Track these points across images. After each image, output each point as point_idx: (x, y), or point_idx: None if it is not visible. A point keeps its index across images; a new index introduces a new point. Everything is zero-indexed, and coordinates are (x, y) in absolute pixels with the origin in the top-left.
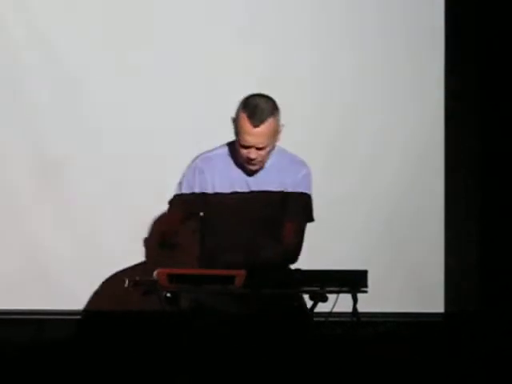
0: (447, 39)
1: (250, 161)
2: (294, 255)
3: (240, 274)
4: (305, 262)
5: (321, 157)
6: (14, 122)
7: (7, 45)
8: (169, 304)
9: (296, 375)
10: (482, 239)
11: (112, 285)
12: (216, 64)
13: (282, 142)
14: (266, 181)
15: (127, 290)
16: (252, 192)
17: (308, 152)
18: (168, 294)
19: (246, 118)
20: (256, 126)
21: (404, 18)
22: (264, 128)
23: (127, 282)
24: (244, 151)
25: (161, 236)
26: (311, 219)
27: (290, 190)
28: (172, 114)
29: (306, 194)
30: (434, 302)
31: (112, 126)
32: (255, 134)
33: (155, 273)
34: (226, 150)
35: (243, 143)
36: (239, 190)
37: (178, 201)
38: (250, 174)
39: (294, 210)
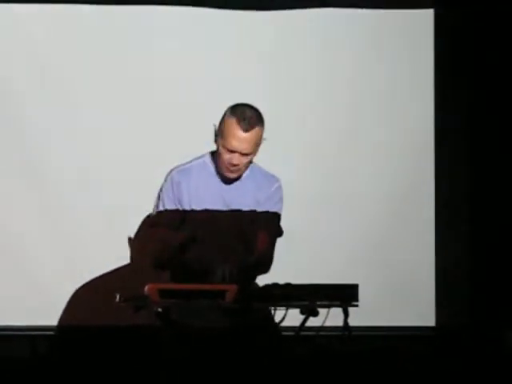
0: (436, 41)
1: (231, 166)
2: (267, 265)
3: (231, 289)
4: (296, 276)
5: (315, 175)
6: None
7: None
8: (159, 319)
9: None
10: (473, 254)
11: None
12: (210, 76)
13: (282, 155)
14: (241, 193)
15: (118, 304)
16: (226, 211)
17: (303, 168)
18: (159, 309)
19: (234, 123)
20: (246, 130)
21: (395, 27)
22: (252, 134)
23: (118, 297)
24: (227, 156)
25: (153, 256)
26: (280, 234)
27: (262, 203)
28: (160, 116)
29: (275, 213)
30: (425, 316)
31: (98, 127)
32: (242, 140)
33: (146, 288)
34: (201, 161)
35: (229, 147)
36: (213, 206)
37: (164, 218)
38: (228, 181)
39: (265, 223)
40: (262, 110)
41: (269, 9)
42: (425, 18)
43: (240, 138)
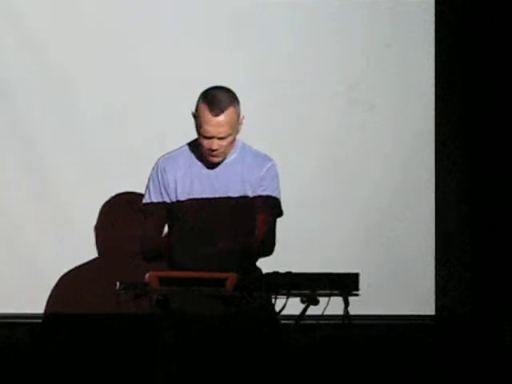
0: (436, 41)
1: (211, 152)
2: (270, 247)
3: (231, 277)
4: (296, 264)
5: (310, 160)
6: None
7: None
8: (159, 307)
9: (287, 378)
10: (473, 242)
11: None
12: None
13: (272, 144)
14: (228, 175)
15: (118, 292)
16: (214, 198)
17: (297, 155)
18: (159, 297)
19: (206, 109)
20: (216, 115)
21: (392, 17)
22: (224, 117)
23: (118, 284)
24: (206, 142)
25: (141, 248)
26: (280, 215)
27: (254, 185)
28: (153, 111)
29: (272, 196)
30: (425, 305)
31: (94, 120)
32: (216, 124)
33: (147, 275)
34: (187, 148)
35: (205, 134)
36: (201, 192)
37: (149, 209)
38: (212, 166)
39: (262, 206)
40: (258, 104)
41: None
42: (425, 7)
43: (213, 123)
